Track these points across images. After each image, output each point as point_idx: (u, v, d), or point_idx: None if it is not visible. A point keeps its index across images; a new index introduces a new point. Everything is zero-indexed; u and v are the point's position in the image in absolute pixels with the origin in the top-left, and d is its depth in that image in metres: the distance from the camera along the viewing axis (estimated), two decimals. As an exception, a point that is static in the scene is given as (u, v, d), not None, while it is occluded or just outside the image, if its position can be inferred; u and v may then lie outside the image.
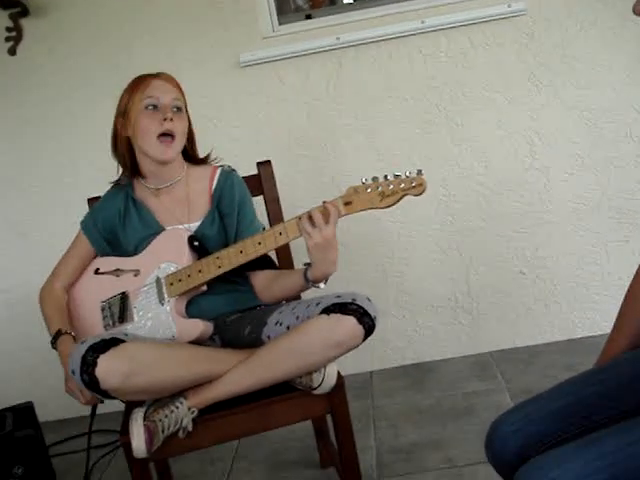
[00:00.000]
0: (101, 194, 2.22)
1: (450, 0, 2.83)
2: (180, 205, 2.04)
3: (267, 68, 2.85)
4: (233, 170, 2.10)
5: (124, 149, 2.02)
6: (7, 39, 2.93)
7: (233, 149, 2.79)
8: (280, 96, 2.88)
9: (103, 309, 2.01)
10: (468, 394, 2.71)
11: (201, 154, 2.14)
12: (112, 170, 2.11)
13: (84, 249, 2.10)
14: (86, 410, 2.79)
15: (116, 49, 2.90)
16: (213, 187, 2.05)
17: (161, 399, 1.76)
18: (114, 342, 1.66)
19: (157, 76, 1.99)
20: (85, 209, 2.23)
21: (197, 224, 2.01)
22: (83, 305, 2.07)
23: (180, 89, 2.02)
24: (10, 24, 2.91)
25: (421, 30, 2.80)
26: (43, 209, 3.06)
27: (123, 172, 2.09)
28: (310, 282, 1.84)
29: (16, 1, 2.87)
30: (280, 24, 2.93)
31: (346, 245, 2.88)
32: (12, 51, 2.95)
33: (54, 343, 1.98)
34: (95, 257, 2.10)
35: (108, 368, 1.61)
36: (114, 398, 1.71)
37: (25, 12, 2.90)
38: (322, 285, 1.84)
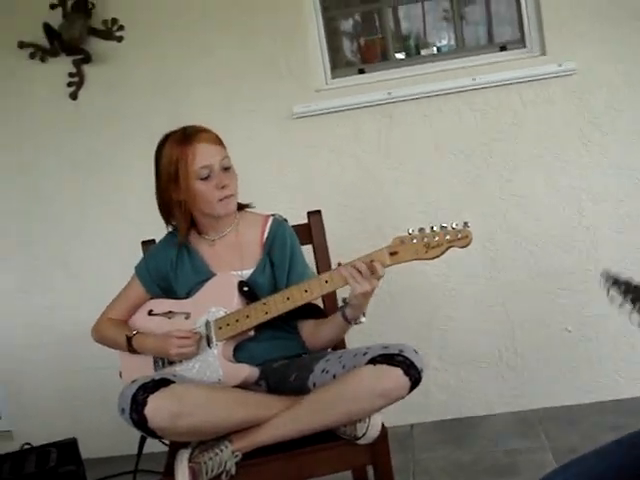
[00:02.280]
0: (153, 237, 2.29)
1: (501, 58, 2.88)
2: (232, 252, 2.08)
3: (319, 120, 2.92)
4: (284, 220, 2.15)
5: (179, 211, 2.04)
6: (69, 84, 3.06)
7: (283, 198, 2.86)
8: (331, 148, 2.94)
9: None
10: (510, 451, 2.68)
11: (252, 200, 2.18)
12: (160, 216, 2.15)
13: (137, 292, 2.16)
14: (127, 450, 2.86)
15: (173, 97, 3.00)
16: (265, 236, 2.09)
17: (206, 441, 1.79)
18: (164, 382, 1.70)
19: (199, 138, 1.98)
20: (136, 251, 2.30)
21: (249, 271, 2.05)
22: None
23: (222, 143, 2.04)
24: (73, 70, 3.04)
25: (472, 87, 2.85)
26: (94, 250, 3.14)
27: (177, 231, 2.10)
28: (351, 321, 1.88)
29: (80, 48, 3.01)
30: (333, 78, 3.00)
31: (391, 296, 2.90)
32: (74, 96, 3.07)
33: (130, 349, 2.04)
34: (147, 299, 2.15)
35: (157, 408, 1.65)
36: (160, 438, 1.74)
37: (88, 59, 3.03)
38: (363, 319, 1.89)
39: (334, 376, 1.82)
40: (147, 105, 3.03)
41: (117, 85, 3.04)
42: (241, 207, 2.14)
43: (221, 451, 1.76)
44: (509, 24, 3.11)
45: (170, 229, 2.15)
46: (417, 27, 3.33)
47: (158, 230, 2.21)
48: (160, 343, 1.97)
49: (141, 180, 3.00)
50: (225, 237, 2.10)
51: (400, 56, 3.16)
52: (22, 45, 3.04)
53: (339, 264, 1.83)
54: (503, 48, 2.95)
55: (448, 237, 1.74)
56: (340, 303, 1.92)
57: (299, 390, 1.87)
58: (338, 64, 3.12)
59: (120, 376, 2.10)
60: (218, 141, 2.03)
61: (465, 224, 1.74)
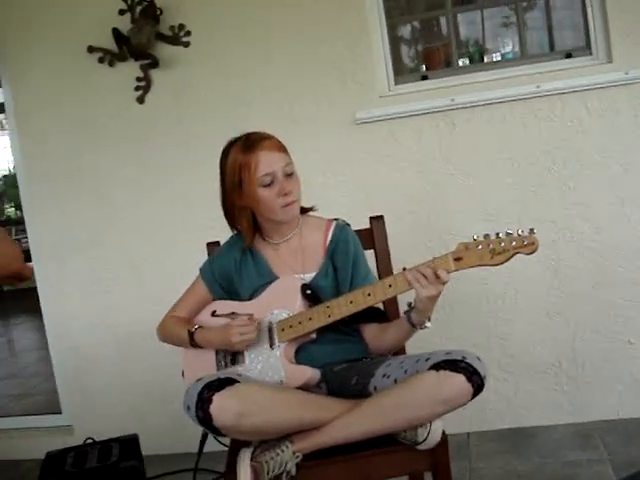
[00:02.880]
0: (216, 239, 2.33)
1: (566, 65, 2.85)
2: (295, 256, 2.11)
3: (382, 126, 2.93)
4: (347, 224, 2.16)
5: (243, 216, 2.08)
6: (137, 88, 3.13)
7: (344, 203, 2.88)
8: (393, 153, 2.95)
9: (217, 351, 2.08)
10: (569, 463, 2.64)
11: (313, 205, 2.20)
12: (224, 218, 2.18)
13: (201, 293, 2.20)
14: (184, 448, 2.91)
15: (237, 103, 3.05)
16: (328, 240, 2.10)
17: (268, 441, 1.81)
18: (229, 382, 1.73)
19: (262, 146, 2.00)
20: (200, 252, 2.34)
21: (311, 275, 2.07)
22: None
23: (285, 149, 2.05)
24: (140, 74, 3.11)
25: (536, 94, 2.82)
26: (158, 251, 3.21)
27: (244, 239, 2.13)
28: (417, 325, 1.89)
29: (147, 53, 3.08)
30: (396, 84, 3.01)
31: (451, 303, 2.89)
32: (141, 100, 3.14)
33: (193, 343, 2.08)
34: (210, 300, 2.19)
35: (222, 406, 1.68)
36: (224, 435, 1.77)
37: (155, 64, 3.10)
38: (428, 324, 1.90)
39: (395, 381, 1.82)
40: (212, 110, 3.08)
41: (183, 89, 3.11)
42: (304, 211, 2.16)
43: (282, 451, 1.78)
44: (573, 30, 3.08)
45: (235, 232, 2.19)
46: (476, 34, 3.33)
47: (222, 232, 2.25)
48: (221, 334, 2.00)
49: (206, 183, 3.04)
50: (289, 241, 2.12)
51: (463, 63, 3.16)
52: (91, 50, 3.13)
53: (404, 269, 1.84)
54: (568, 55, 2.92)
55: (514, 243, 1.73)
56: (405, 307, 1.92)
57: (360, 394, 1.88)
58: (401, 71, 3.13)
59: (182, 375, 2.14)
60: (281, 148, 2.04)
61: (531, 230, 1.73)
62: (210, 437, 1.97)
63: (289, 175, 2.02)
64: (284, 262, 2.11)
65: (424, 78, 3.05)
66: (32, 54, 3.24)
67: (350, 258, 2.08)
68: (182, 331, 2.11)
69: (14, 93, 3.33)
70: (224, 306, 2.14)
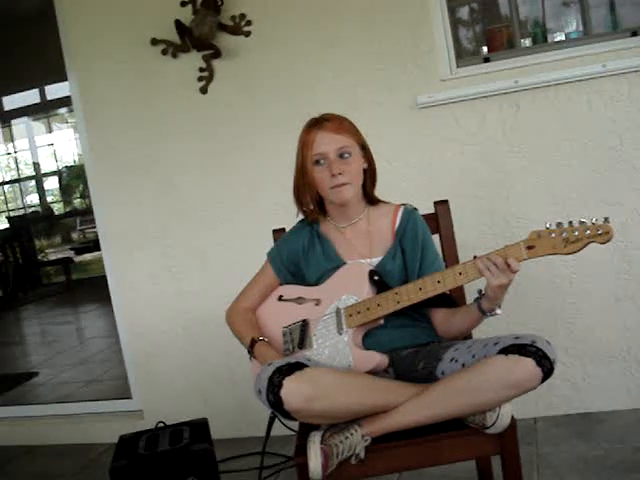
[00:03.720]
0: (280, 226, 2.36)
1: (632, 44, 2.78)
2: (362, 240, 2.13)
3: (444, 110, 2.91)
4: (415, 209, 2.17)
5: (307, 196, 2.12)
6: (199, 79, 3.17)
7: (407, 188, 2.87)
8: (455, 138, 2.93)
9: (284, 334, 2.11)
10: (638, 449, 2.60)
11: (378, 190, 2.21)
12: (290, 205, 2.22)
13: (269, 278, 2.23)
14: (250, 431, 2.96)
15: (300, 89, 3.07)
16: (397, 224, 2.12)
17: (337, 424, 1.83)
18: (298, 366, 1.75)
19: (322, 127, 2.06)
20: (265, 240, 2.37)
21: (378, 259, 2.09)
22: (265, 328, 2.19)
23: (348, 131, 2.08)
24: (203, 65, 3.15)
25: (602, 74, 2.76)
26: (224, 239, 3.26)
27: (308, 217, 2.19)
28: (487, 312, 1.89)
29: (209, 44, 3.11)
30: (458, 67, 2.98)
31: (517, 288, 2.84)
32: (204, 90, 3.18)
33: (251, 352, 2.11)
34: (278, 284, 2.23)
35: (293, 390, 1.71)
36: (294, 419, 1.80)
37: (217, 54, 3.13)
38: (499, 311, 1.89)
39: (463, 365, 1.82)
40: (275, 98, 3.11)
41: (245, 79, 3.13)
42: (371, 200, 2.18)
43: (351, 435, 1.80)
44: (637, 8, 3.00)
45: (301, 217, 2.22)
46: (536, 13, 3.27)
47: (286, 219, 2.29)
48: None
49: (270, 170, 3.12)
50: (355, 225, 2.14)
51: (526, 43, 3.11)
52: (154, 42, 3.18)
53: (475, 257, 1.83)
54: (634, 33, 2.85)
55: (588, 232, 1.71)
56: (475, 294, 1.92)
57: (427, 378, 1.89)
58: (462, 53, 3.10)
59: (250, 359, 2.18)
60: (340, 129, 2.06)
61: (606, 219, 1.71)
62: (276, 421, 1.99)
63: (343, 157, 2.04)
64: (351, 246, 2.12)
65: (486, 60, 3.01)
66: (97, 47, 3.31)
67: (419, 242, 2.08)
68: (247, 334, 2.16)
69: (80, 86, 3.40)
70: (291, 290, 2.17)
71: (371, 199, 2.18)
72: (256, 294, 2.24)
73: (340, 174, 2.02)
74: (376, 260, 2.08)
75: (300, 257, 2.17)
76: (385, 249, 2.10)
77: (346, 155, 2.05)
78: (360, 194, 2.14)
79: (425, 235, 2.11)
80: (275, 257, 2.23)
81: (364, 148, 2.12)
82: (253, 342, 2.11)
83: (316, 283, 2.13)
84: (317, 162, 2.06)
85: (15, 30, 7.00)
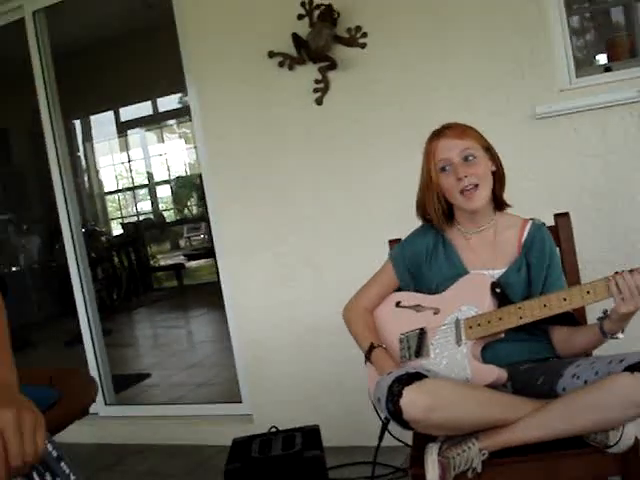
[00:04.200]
0: (395, 237, 2.37)
1: None
2: (487, 249, 2.12)
3: (562, 121, 2.85)
4: (543, 224, 2.15)
5: (431, 204, 2.13)
6: (315, 90, 3.22)
7: (525, 200, 2.80)
8: (575, 149, 2.86)
9: (401, 341, 2.12)
10: None
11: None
12: (403, 215, 2.24)
13: (388, 278, 2.25)
14: (359, 441, 2.97)
15: (416, 101, 3.06)
16: (524, 237, 2.10)
17: (454, 437, 1.82)
18: (418, 376, 1.76)
19: (443, 135, 2.09)
20: (378, 250, 2.39)
21: (501, 270, 2.07)
22: (381, 333, 2.20)
23: (469, 135, 2.09)
24: (319, 77, 3.20)
25: None
26: (336, 248, 3.29)
27: (432, 225, 2.19)
28: (608, 334, 1.84)
29: (325, 56, 3.15)
30: (577, 77, 2.91)
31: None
32: (319, 101, 3.23)
33: (368, 357, 2.13)
34: (397, 288, 2.24)
35: (412, 400, 1.71)
36: (410, 429, 1.80)
37: (333, 66, 3.17)
38: (620, 335, 1.84)
39: (585, 382, 1.78)
40: (389, 109, 3.11)
41: (360, 90, 3.16)
42: (500, 204, 2.17)
43: (469, 448, 1.79)
44: None
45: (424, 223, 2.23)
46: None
47: (400, 230, 2.30)
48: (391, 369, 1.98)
49: (383, 181, 3.13)
50: (482, 233, 2.14)
51: (649, 53, 3.01)
52: (271, 54, 3.25)
53: (617, 272, 1.79)
54: None
55: None
56: (600, 314, 1.87)
57: (546, 394, 1.86)
58: (581, 63, 3.03)
59: (365, 363, 2.19)
60: (462, 134, 2.08)
61: None
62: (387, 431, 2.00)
63: (468, 160, 2.05)
64: (475, 254, 2.12)
65: (607, 70, 2.93)
66: (215, 60, 3.42)
67: (546, 257, 2.06)
68: (365, 338, 2.17)
69: (199, 98, 3.52)
70: (409, 297, 2.18)
71: (500, 203, 2.17)
72: (375, 295, 2.26)
73: (466, 177, 2.03)
74: (499, 271, 2.07)
75: (423, 259, 2.17)
76: (509, 261, 2.08)
77: (470, 158, 2.05)
78: (489, 199, 2.12)
79: (552, 251, 2.09)
80: (397, 257, 2.24)
81: (489, 150, 2.12)
82: (372, 347, 2.12)
83: (436, 288, 2.13)
84: (443, 169, 2.07)
85: (134, 44, 7.29)
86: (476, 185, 2.04)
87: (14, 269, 8.40)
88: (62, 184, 4.06)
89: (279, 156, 3.35)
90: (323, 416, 3.25)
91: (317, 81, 3.21)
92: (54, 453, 1.27)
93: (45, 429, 1.16)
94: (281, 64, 3.25)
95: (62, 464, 1.27)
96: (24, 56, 4.04)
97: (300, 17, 3.16)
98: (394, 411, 1.72)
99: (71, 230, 4.09)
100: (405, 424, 1.75)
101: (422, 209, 2.18)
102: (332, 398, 3.33)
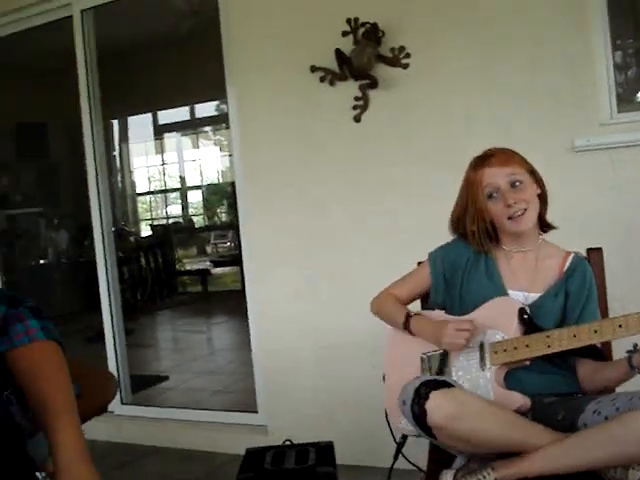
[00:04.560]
0: (424, 258, 2.34)
1: None
2: (527, 272, 2.11)
3: (602, 155, 2.83)
4: (586, 258, 2.14)
5: (481, 231, 2.11)
6: (354, 107, 3.23)
7: (561, 233, 2.79)
8: (613, 185, 2.84)
9: (422, 360, 2.10)
10: None
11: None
12: (434, 235, 2.23)
13: (421, 276, 2.26)
14: (373, 461, 2.95)
15: (454, 127, 3.06)
16: (566, 266, 2.10)
17: (469, 465, 1.81)
18: (445, 384, 1.76)
19: (488, 162, 2.07)
20: (407, 270, 2.36)
21: (537, 295, 2.06)
22: (403, 352, 2.18)
23: (514, 161, 2.08)
24: (359, 94, 3.21)
25: None
26: (366, 266, 3.27)
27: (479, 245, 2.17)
28: (637, 369, 1.83)
29: (367, 74, 3.17)
30: (619, 112, 2.89)
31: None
32: (357, 119, 3.24)
33: (406, 325, 2.14)
34: (426, 291, 2.25)
35: (438, 404, 1.71)
36: (431, 436, 1.78)
37: (374, 84, 3.18)
38: None
39: (606, 418, 1.75)
40: (426, 131, 3.12)
41: (399, 110, 3.16)
42: (546, 225, 2.17)
43: (484, 477, 1.75)
44: None
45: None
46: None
47: (432, 248, 2.28)
48: (435, 328, 2.04)
49: (416, 202, 3.12)
50: (524, 254, 2.13)
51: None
52: (314, 69, 3.28)
53: None
54: None
55: None
56: (630, 348, 1.85)
57: (566, 430, 1.82)
58: (623, 98, 3.01)
59: (383, 379, 2.19)
60: (506, 161, 2.07)
61: None
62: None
63: (515, 186, 2.04)
64: (514, 273, 2.11)
65: (650, 106, 2.92)
66: (257, 70, 3.45)
67: (586, 288, 2.06)
68: (400, 312, 2.18)
69: (239, 106, 3.55)
70: (435, 316, 2.16)
71: (546, 224, 2.16)
72: (405, 288, 2.27)
73: (515, 203, 2.02)
74: (535, 295, 2.06)
75: (462, 267, 2.17)
76: (547, 286, 2.07)
77: (517, 183, 2.05)
78: (536, 221, 2.12)
79: (592, 284, 2.08)
80: (436, 257, 2.23)
81: (533, 174, 2.11)
82: (407, 317, 2.13)
83: (464, 303, 2.12)
84: (490, 196, 2.06)
85: (176, 49, 7.36)
86: (524, 209, 2.04)
87: (42, 262, 8.50)
88: (97, 182, 4.11)
89: (314, 169, 3.36)
90: (338, 433, 3.23)
91: (357, 98, 3.22)
92: None
93: None
94: (322, 79, 3.27)
95: None
96: (68, 52, 4.10)
97: (345, 34, 3.18)
98: (419, 414, 1.72)
99: (102, 228, 4.14)
100: (427, 430, 1.74)
101: (461, 230, 2.17)
102: (348, 415, 3.32)
